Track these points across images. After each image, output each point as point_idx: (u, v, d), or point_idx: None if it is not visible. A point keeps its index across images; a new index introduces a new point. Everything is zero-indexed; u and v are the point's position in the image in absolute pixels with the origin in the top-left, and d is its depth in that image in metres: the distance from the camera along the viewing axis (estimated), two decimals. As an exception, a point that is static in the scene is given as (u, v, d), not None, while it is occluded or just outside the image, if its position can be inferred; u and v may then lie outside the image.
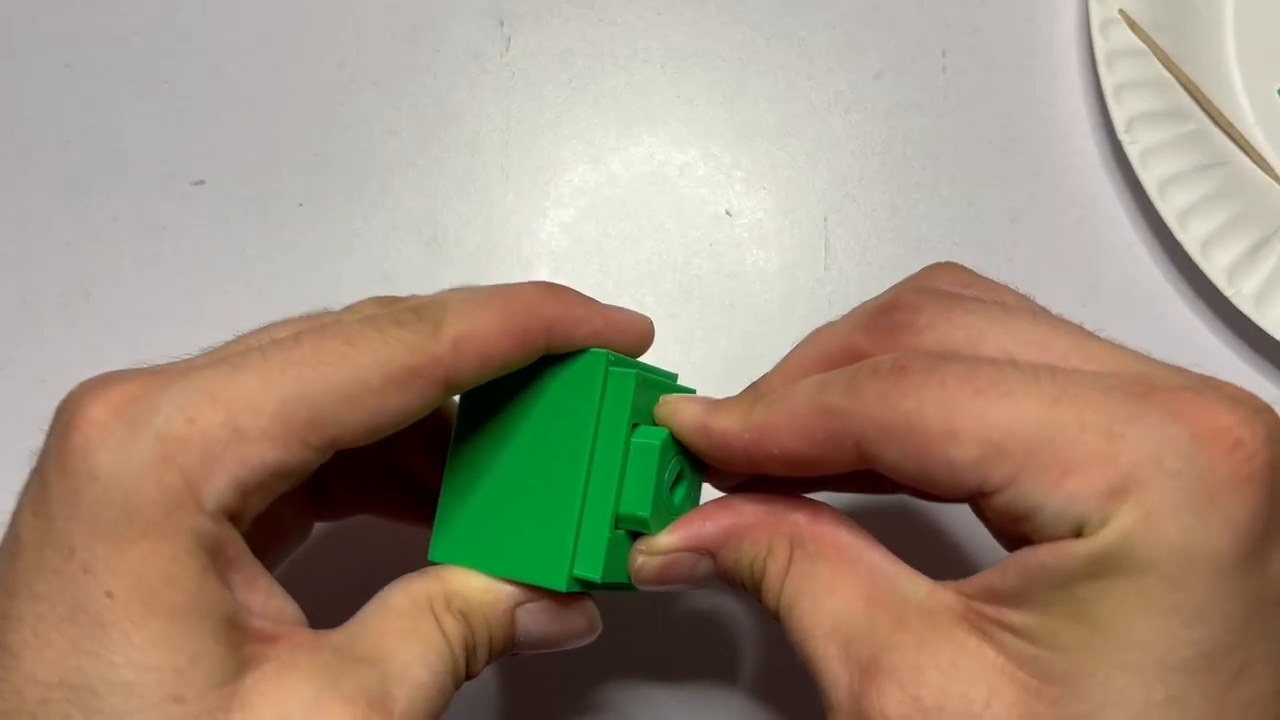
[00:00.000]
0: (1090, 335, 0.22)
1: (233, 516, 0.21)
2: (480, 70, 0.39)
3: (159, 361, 0.37)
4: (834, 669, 0.21)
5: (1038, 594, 0.19)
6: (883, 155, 0.39)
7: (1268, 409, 0.21)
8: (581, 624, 0.26)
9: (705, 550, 0.24)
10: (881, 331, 0.23)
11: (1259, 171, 0.38)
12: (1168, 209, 0.36)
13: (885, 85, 0.39)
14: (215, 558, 0.20)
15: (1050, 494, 0.19)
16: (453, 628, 0.23)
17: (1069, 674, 0.19)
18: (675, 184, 0.38)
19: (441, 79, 0.39)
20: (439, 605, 0.23)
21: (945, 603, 0.21)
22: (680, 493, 0.26)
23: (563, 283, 0.39)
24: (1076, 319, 0.39)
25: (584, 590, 0.25)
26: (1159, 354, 0.39)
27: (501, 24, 0.40)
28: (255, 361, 0.21)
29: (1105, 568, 0.18)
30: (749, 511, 0.24)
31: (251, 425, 0.20)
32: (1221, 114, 0.38)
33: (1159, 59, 0.38)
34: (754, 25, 0.40)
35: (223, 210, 0.38)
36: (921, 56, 0.40)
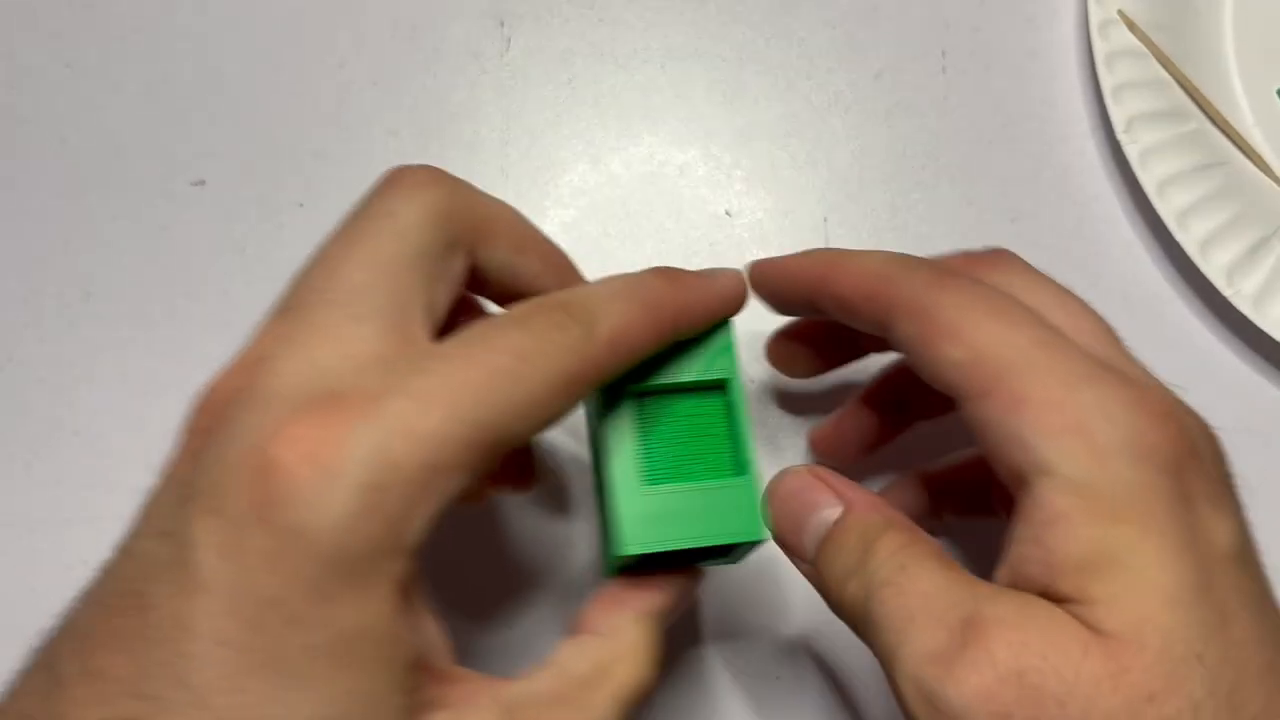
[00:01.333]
0: (1121, 344, 0.26)
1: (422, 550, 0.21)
2: (480, 70, 0.39)
3: (158, 361, 0.37)
4: (931, 630, 0.22)
5: (1069, 570, 0.21)
6: (883, 155, 0.39)
7: (1206, 425, 0.24)
8: (691, 587, 0.27)
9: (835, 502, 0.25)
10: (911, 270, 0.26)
11: (1258, 172, 0.38)
12: (1167, 209, 0.36)
13: (885, 85, 0.39)
14: (405, 598, 0.20)
15: (1006, 416, 0.22)
16: (614, 703, 0.23)
17: (1123, 626, 0.20)
18: (675, 184, 0.38)
19: (441, 79, 0.39)
20: (612, 680, 0.23)
21: (1021, 579, 0.22)
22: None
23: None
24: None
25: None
26: (1158, 354, 0.39)
27: (501, 24, 0.40)
28: (435, 387, 0.20)
29: (1106, 521, 0.21)
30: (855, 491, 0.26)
31: (448, 459, 0.20)
32: (1220, 114, 0.38)
33: (1158, 59, 0.38)
34: (754, 25, 0.40)
35: (223, 210, 0.38)
36: (921, 57, 0.40)
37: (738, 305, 0.27)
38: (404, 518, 0.19)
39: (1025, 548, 0.22)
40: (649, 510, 0.25)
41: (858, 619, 0.23)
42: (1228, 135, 0.38)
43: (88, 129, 0.39)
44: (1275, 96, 0.39)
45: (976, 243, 0.38)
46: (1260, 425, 0.37)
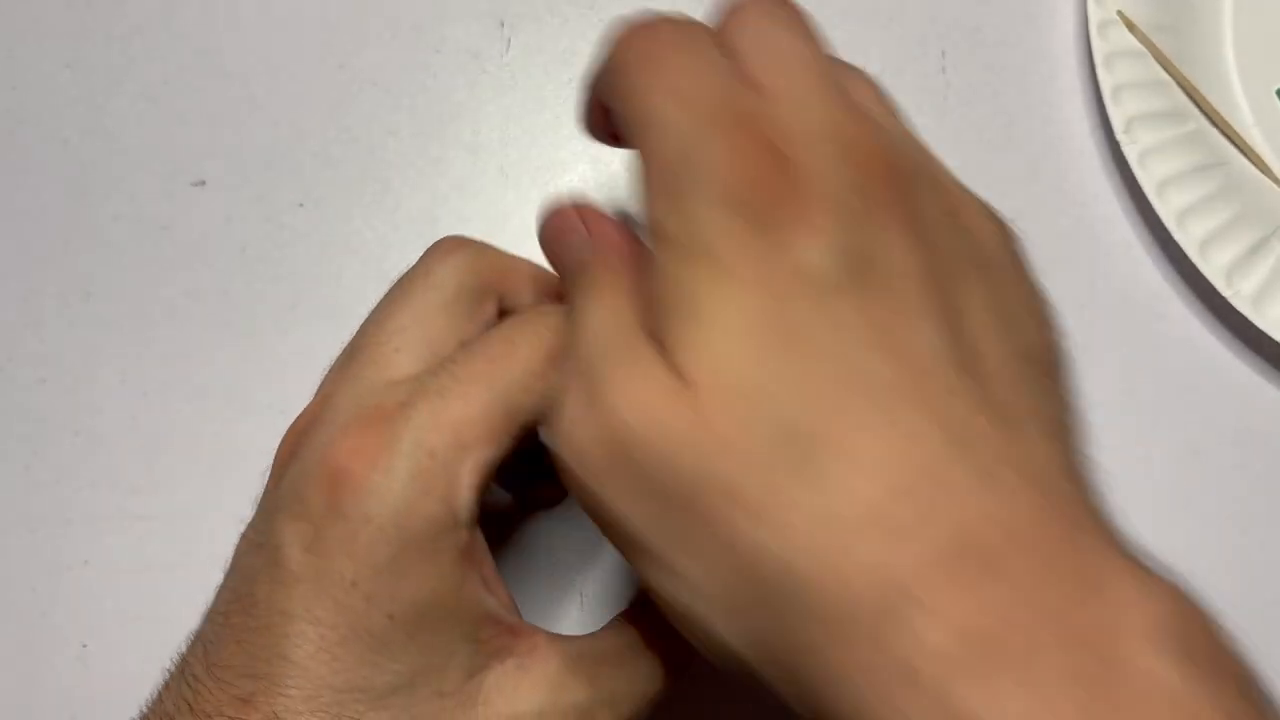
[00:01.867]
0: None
1: (477, 518, 0.24)
2: (480, 70, 0.39)
3: (159, 361, 0.37)
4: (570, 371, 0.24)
5: (659, 312, 0.22)
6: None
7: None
8: None
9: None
10: None
11: (1257, 172, 0.38)
12: (1166, 209, 0.36)
13: (885, 85, 0.39)
14: (470, 563, 0.24)
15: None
16: (664, 665, 0.26)
17: (698, 371, 0.21)
18: (675, 184, 0.38)
19: (441, 79, 0.39)
20: (664, 642, 0.26)
21: (644, 319, 0.23)
22: None
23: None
24: (1074, 319, 0.39)
25: None
26: (1157, 354, 0.39)
27: (502, 24, 0.40)
28: (451, 387, 0.24)
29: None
30: None
31: (472, 437, 0.23)
32: (1220, 115, 0.38)
33: (1157, 60, 0.38)
34: (754, 26, 0.40)
35: (223, 210, 0.38)
36: (921, 57, 0.40)
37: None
38: (451, 494, 0.23)
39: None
40: None
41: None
42: (1227, 136, 0.38)
43: (88, 129, 0.39)
44: (1275, 97, 0.39)
45: (976, 243, 0.38)
46: (1260, 425, 0.37)
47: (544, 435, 0.24)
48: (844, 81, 0.24)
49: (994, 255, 0.24)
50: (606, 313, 0.23)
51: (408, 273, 0.28)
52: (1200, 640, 0.18)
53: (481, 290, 0.27)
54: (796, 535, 0.19)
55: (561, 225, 0.26)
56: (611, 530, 0.22)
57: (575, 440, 0.22)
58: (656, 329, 0.21)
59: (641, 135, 0.22)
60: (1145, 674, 0.17)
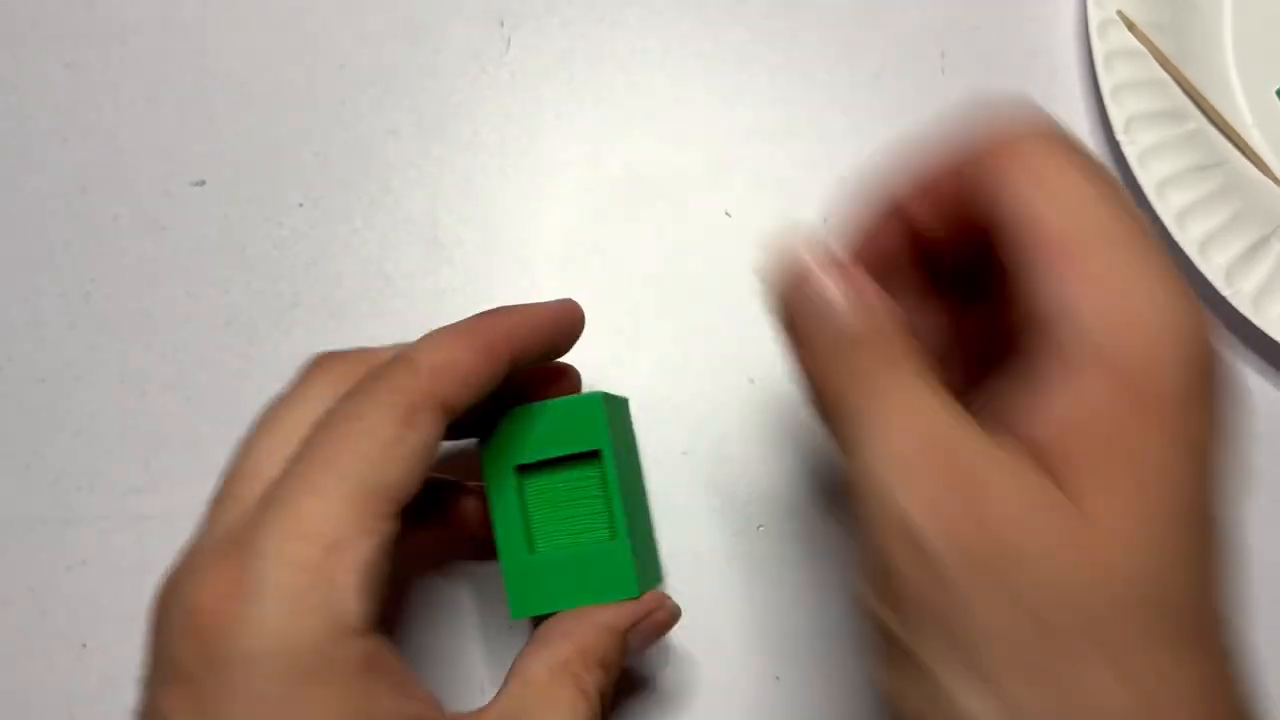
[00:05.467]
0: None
1: (373, 619, 0.22)
2: (480, 70, 0.39)
3: (158, 361, 0.37)
4: (900, 438, 0.21)
5: (1072, 433, 0.20)
6: (883, 155, 0.39)
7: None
8: (669, 617, 0.29)
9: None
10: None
11: (1257, 172, 0.38)
12: (1165, 209, 0.36)
13: (885, 85, 0.39)
14: (375, 671, 0.22)
15: (1054, 264, 0.20)
16: (593, 683, 0.25)
17: (1110, 515, 0.19)
18: (675, 184, 0.38)
19: (441, 79, 0.39)
20: (578, 666, 0.25)
21: (1010, 423, 0.21)
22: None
23: (562, 282, 0.39)
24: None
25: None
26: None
27: (502, 24, 0.40)
28: (298, 486, 0.22)
29: None
30: None
31: (339, 534, 0.22)
32: (1219, 115, 0.38)
33: (1157, 60, 0.38)
34: (754, 25, 0.40)
35: (223, 210, 0.38)
36: (921, 56, 0.40)
37: (570, 328, 0.29)
38: (333, 603, 0.21)
39: (1026, 397, 0.20)
40: (534, 575, 0.28)
41: (828, 397, 0.22)
42: (1226, 135, 0.38)
43: (88, 129, 0.39)
44: (1274, 97, 0.39)
45: (976, 243, 0.38)
46: (1260, 425, 0.37)
47: (856, 504, 0.21)
48: None
49: None
50: (931, 397, 0.20)
51: (276, 396, 0.26)
52: None
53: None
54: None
55: (807, 286, 0.22)
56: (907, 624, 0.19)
57: (925, 528, 0.19)
58: (1043, 435, 0.19)
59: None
60: None
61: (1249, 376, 0.37)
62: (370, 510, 0.22)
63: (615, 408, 0.30)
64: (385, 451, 0.23)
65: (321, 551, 0.21)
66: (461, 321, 0.26)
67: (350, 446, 0.23)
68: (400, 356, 0.25)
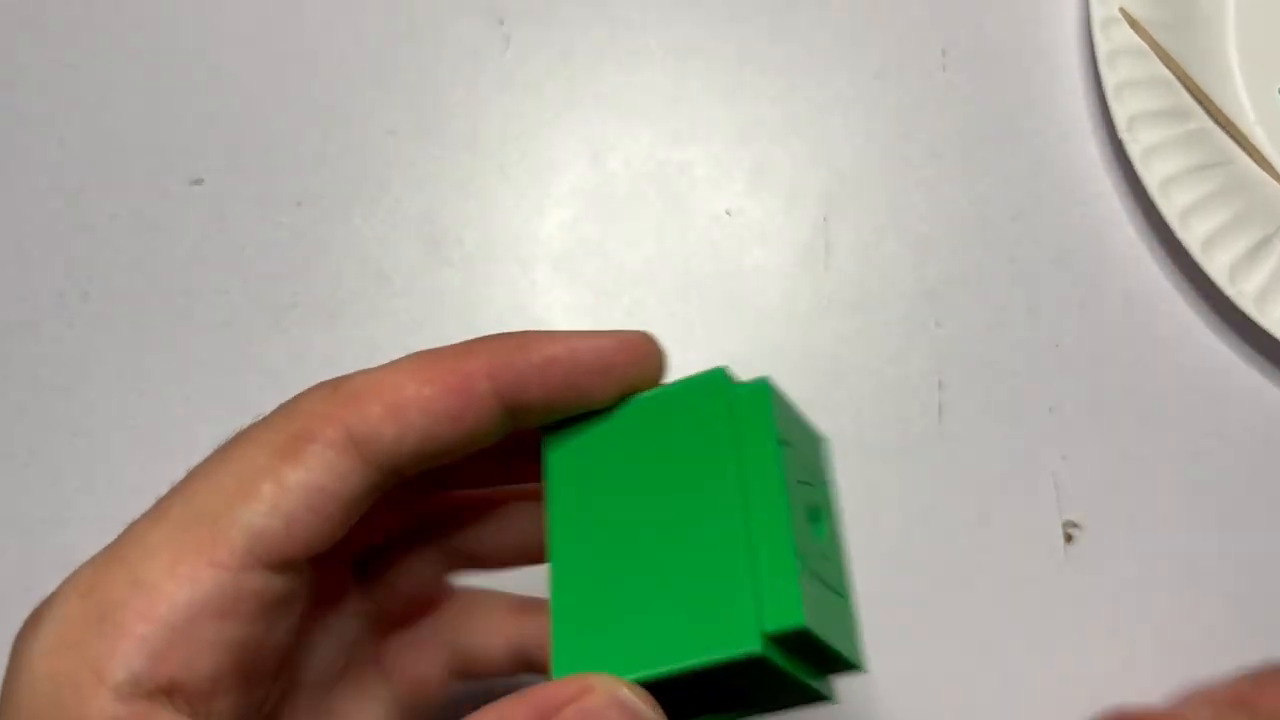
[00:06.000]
0: None
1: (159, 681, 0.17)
2: (479, 68, 0.39)
3: (158, 361, 0.37)
4: None
5: None
6: (883, 154, 0.39)
7: None
8: None
9: None
10: None
11: (1260, 171, 0.38)
12: (1169, 208, 0.36)
13: (886, 83, 0.39)
14: None
15: None
16: None
17: None
18: (675, 183, 0.38)
19: (441, 77, 0.39)
20: None
21: None
22: (823, 530, 0.20)
23: (562, 282, 0.39)
24: (1077, 318, 0.39)
25: (783, 660, 0.18)
26: (1159, 354, 0.39)
27: (501, 22, 0.40)
28: (141, 521, 0.19)
29: None
30: None
31: (148, 576, 0.18)
32: (1223, 113, 0.38)
33: (1160, 58, 0.38)
34: (754, 23, 0.40)
35: (221, 209, 0.38)
36: (922, 55, 0.39)
37: (622, 371, 0.21)
38: (95, 651, 0.17)
39: None
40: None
41: None
42: (1230, 134, 0.38)
43: (85, 128, 0.39)
44: (1278, 95, 0.39)
45: (977, 241, 0.38)
46: (1262, 425, 0.36)
47: None
48: None
49: None
50: None
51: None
52: None
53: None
54: None
55: None
56: None
57: None
58: None
59: None
60: None
61: (1252, 377, 0.37)
62: (201, 554, 0.18)
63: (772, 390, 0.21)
64: (244, 487, 0.18)
65: (126, 588, 0.17)
66: (454, 344, 0.21)
67: (204, 480, 0.19)
68: (329, 380, 0.20)
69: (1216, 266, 0.35)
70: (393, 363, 0.20)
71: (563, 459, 0.21)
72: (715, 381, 0.21)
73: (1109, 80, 0.37)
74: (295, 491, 0.18)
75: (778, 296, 0.37)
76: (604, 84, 0.39)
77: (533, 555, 0.25)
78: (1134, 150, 0.36)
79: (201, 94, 0.39)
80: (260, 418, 0.20)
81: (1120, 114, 0.37)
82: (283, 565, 0.18)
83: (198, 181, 0.38)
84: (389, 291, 0.37)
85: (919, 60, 0.39)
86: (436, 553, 0.25)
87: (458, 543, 0.25)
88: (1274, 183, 0.38)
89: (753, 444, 0.20)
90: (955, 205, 0.38)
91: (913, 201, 0.38)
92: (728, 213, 0.38)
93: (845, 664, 0.19)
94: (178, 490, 0.19)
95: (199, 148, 0.38)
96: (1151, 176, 0.36)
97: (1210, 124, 0.38)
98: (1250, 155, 0.38)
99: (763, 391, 0.20)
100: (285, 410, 0.19)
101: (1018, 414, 0.36)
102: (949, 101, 0.39)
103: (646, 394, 0.21)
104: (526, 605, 0.25)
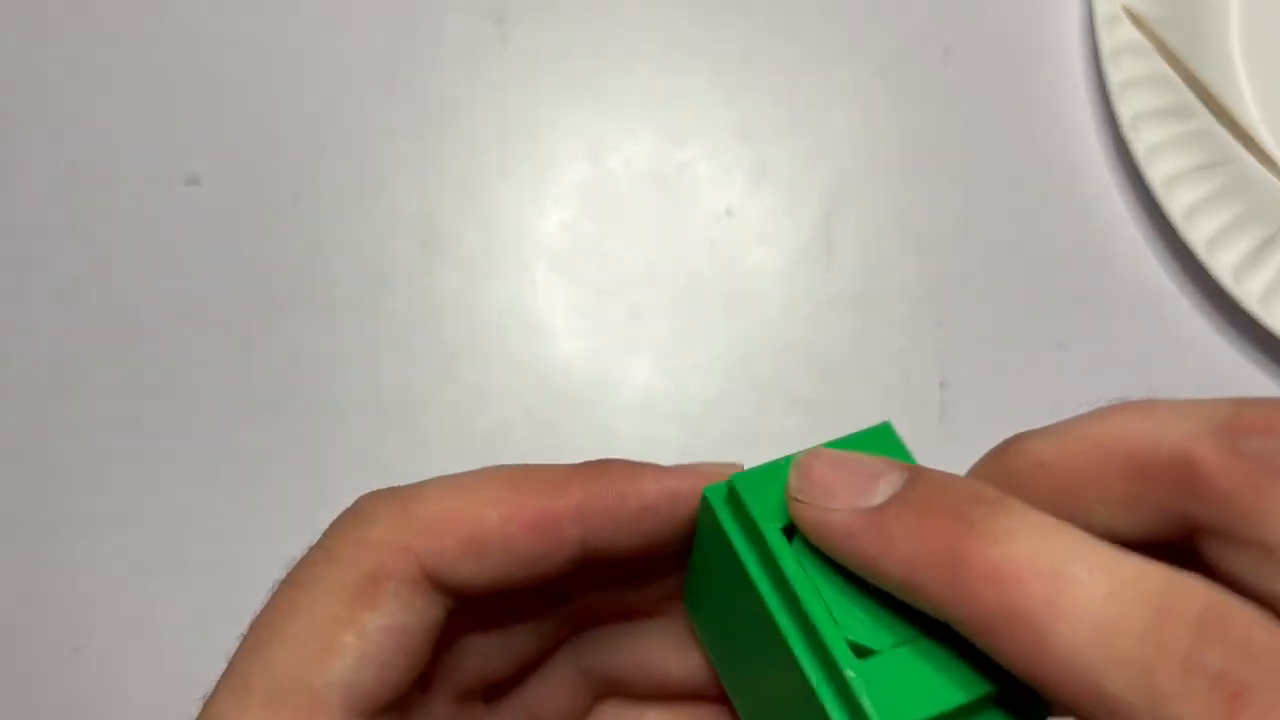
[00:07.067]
0: None
1: None
2: (478, 67, 0.39)
3: (155, 361, 0.36)
4: None
5: None
6: (885, 153, 0.38)
7: None
8: None
9: None
10: (1236, 456, 0.15)
11: (1265, 170, 0.38)
12: (1173, 207, 0.36)
13: (888, 82, 0.39)
14: None
15: None
16: None
17: None
18: (675, 182, 0.38)
19: (439, 76, 0.39)
20: None
21: None
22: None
23: (562, 281, 0.39)
24: (1080, 317, 0.39)
25: None
26: (1163, 353, 0.39)
27: (500, 21, 0.39)
28: (219, 691, 0.17)
29: None
30: None
31: None
32: (1227, 111, 0.38)
33: (1163, 56, 0.38)
34: (755, 21, 0.39)
35: (217, 208, 0.38)
36: (924, 53, 0.39)
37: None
38: None
39: None
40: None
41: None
42: (1234, 133, 0.38)
43: (82, 127, 0.39)
44: (1282, 93, 0.39)
45: (980, 240, 0.38)
46: (1267, 426, 0.36)
47: None
48: None
49: None
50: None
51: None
52: None
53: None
54: None
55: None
56: None
57: None
58: None
59: None
60: None
61: (1256, 377, 0.37)
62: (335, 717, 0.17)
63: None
64: (325, 643, 0.17)
65: None
66: (534, 466, 0.19)
67: (280, 639, 0.17)
68: (396, 494, 0.18)
69: (1221, 266, 0.35)
70: (471, 481, 0.18)
71: (702, 626, 0.20)
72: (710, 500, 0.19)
73: (1112, 78, 0.37)
74: (377, 637, 0.17)
75: (778, 296, 0.37)
76: (603, 82, 0.39)
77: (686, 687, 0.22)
78: (1138, 149, 0.36)
79: (197, 93, 0.39)
80: (321, 544, 0.18)
81: (1124, 112, 0.37)
82: (381, 711, 0.17)
83: (194, 181, 0.38)
84: (386, 291, 0.37)
85: (921, 58, 0.39)
86: (574, 673, 0.22)
87: (594, 662, 0.22)
88: (1278, 182, 0.37)
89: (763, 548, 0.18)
90: (957, 204, 0.38)
91: (914, 200, 0.38)
92: (728, 211, 0.38)
93: (980, 703, 0.16)
94: (252, 652, 0.17)
95: (195, 147, 0.38)
96: (1155, 175, 0.36)
97: (1214, 122, 0.38)
98: (1254, 154, 0.38)
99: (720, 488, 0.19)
100: (351, 539, 0.18)
101: (1019, 414, 0.36)
102: (951, 100, 0.39)
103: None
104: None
